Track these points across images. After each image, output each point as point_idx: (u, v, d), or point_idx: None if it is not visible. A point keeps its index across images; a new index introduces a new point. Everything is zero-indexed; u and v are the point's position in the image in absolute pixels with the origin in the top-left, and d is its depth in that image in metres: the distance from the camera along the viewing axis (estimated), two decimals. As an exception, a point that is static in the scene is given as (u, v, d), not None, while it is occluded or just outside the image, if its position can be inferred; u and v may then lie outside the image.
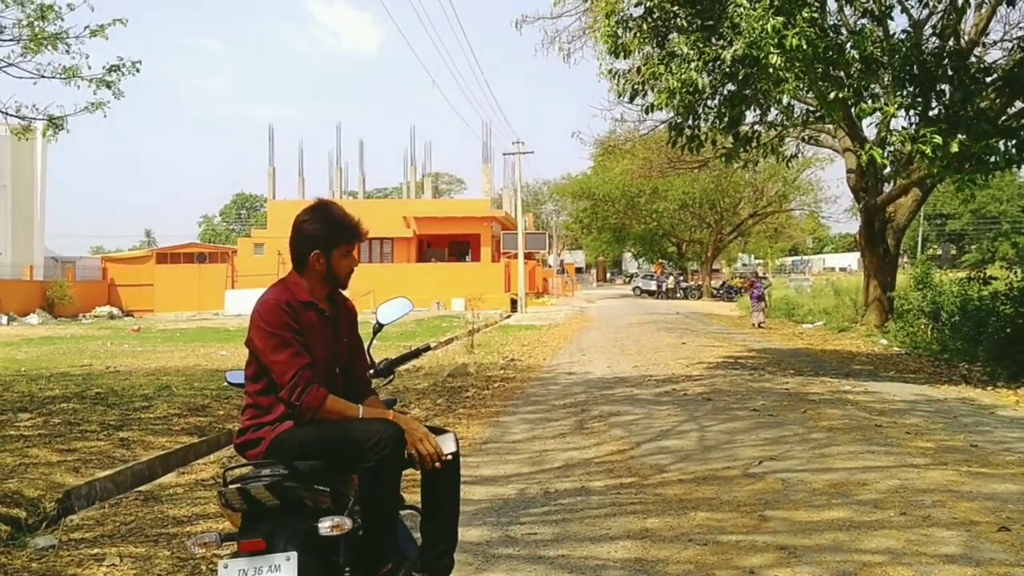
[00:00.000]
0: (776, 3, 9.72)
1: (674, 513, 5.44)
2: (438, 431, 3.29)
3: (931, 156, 10.42)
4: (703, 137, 12.79)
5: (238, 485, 2.87)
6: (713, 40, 10.98)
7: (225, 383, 3.71)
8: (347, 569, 2.98)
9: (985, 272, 15.42)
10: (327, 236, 3.31)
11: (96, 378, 12.44)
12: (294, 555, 2.74)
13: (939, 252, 64.65)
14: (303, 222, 3.32)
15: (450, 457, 3.18)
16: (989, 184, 13.92)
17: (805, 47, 9.72)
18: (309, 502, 2.90)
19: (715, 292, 52.64)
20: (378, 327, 3.77)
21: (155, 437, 7.76)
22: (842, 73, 10.76)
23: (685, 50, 11.00)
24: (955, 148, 10.27)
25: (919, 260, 22.02)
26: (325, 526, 2.80)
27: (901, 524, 5.09)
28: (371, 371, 3.66)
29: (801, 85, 11.10)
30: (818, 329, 23.33)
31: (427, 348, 4.19)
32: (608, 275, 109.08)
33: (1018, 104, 12.35)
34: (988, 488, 5.90)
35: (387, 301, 3.96)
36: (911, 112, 11.52)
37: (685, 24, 11.45)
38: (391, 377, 3.82)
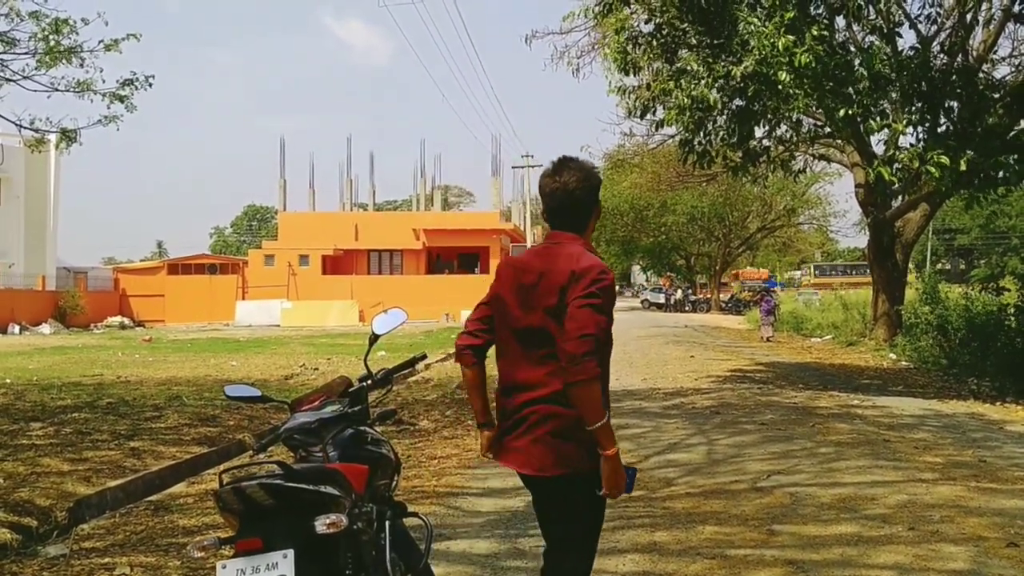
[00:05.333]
0: (787, 21, 9.78)
1: (682, 526, 5.45)
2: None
3: (938, 176, 10.45)
4: (713, 153, 12.85)
5: (233, 485, 2.90)
6: (723, 57, 11.04)
7: (224, 397, 3.75)
8: (348, 571, 2.99)
9: (997, 282, 15.41)
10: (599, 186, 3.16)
11: (107, 388, 12.51)
12: (291, 553, 2.75)
13: (948, 267, 64.33)
14: (580, 182, 3.04)
15: None
16: (999, 200, 13.89)
17: (814, 64, 9.77)
18: (305, 501, 2.92)
19: (723, 305, 52.58)
20: (373, 337, 3.81)
21: (165, 447, 7.80)
22: (851, 90, 10.80)
23: (695, 67, 11.06)
24: (963, 167, 10.29)
25: (926, 274, 21.95)
26: (321, 524, 2.83)
27: (909, 539, 5.09)
28: (369, 381, 3.69)
29: (810, 102, 11.14)
30: (826, 343, 23.28)
31: (423, 357, 4.22)
32: (616, 288, 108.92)
33: (1027, 120, 12.37)
34: (997, 504, 5.90)
35: (381, 312, 3.99)
36: (919, 129, 11.55)
37: (695, 41, 11.53)
38: (390, 386, 3.84)
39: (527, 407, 3.00)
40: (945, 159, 10.20)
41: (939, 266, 60.33)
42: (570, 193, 3.03)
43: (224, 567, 2.78)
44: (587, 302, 2.85)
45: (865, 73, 10.49)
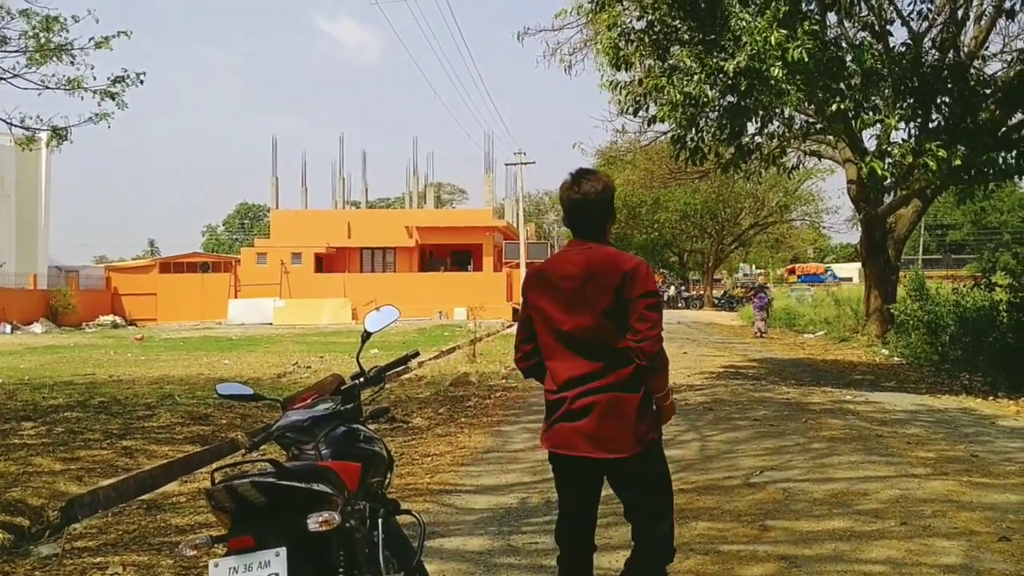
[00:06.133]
0: (779, 16, 9.79)
1: (675, 523, 5.44)
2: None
3: (934, 170, 10.47)
4: (706, 149, 12.85)
5: (225, 484, 2.89)
6: (715, 52, 11.04)
7: (216, 395, 3.74)
8: (341, 568, 2.99)
9: (989, 277, 15.45)
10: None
11: (99, 387, 12.47)
12: (283, 551, 2.74)
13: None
14: (600, 191, 3.35)
15: None
16: (991, 196, 14.02)
17: (806, 60, 9.78)
18: (297, 499, 2.91)
19: (716, 302, 52.71)
20: (366, 335, 3.80)
21: (158, 446, 7.78)
22: (843, 85, 10.82)
23: (687, 63, 11.06)
24: (957, 162, 10.32)
25: (913, 270, 22.02)
26: (313, 522, 2.82)
27: (902, 534, 5.10)
28: (361, 379, 3.68)
29: (802, 97, 11.16)
30: (819, 339, 23.34)
31: (416, 354, 4.20)
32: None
33: (1018, 116, 12.41)
34: (989, 498, 5.92)
35: (374, 310, 3.98)
36: (911, 124, 11.57)
37: (687, 37, 11.52)
38: (383, 384, 3.83)
39: (589, 396, 3.23)
40: (943, 152, 10.23)
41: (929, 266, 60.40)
42: (590, 202, 3.33)
43: (216, 565, 2.77)
44: (650, 301, 3.21)
45: (857, 69, 10.51)
